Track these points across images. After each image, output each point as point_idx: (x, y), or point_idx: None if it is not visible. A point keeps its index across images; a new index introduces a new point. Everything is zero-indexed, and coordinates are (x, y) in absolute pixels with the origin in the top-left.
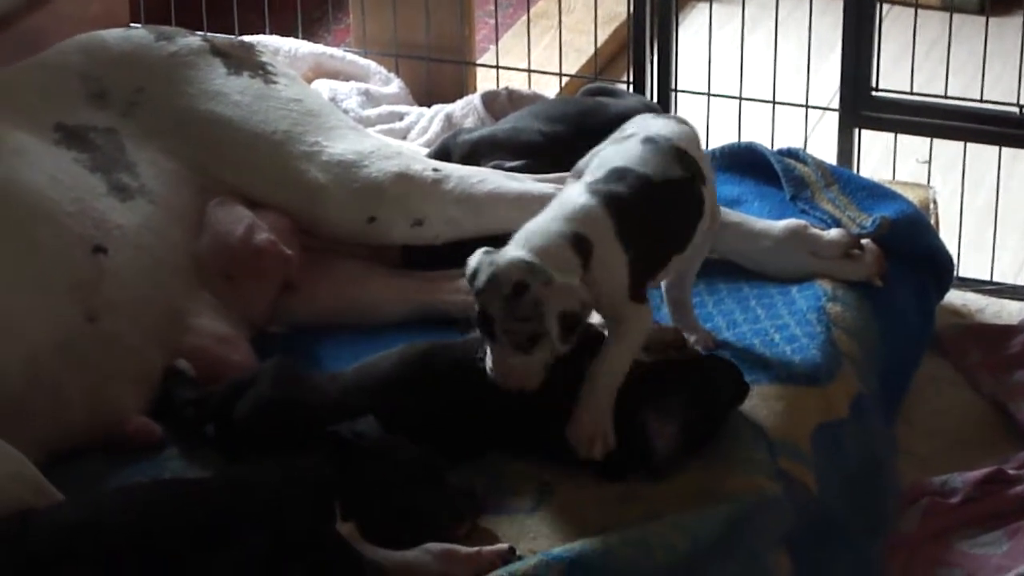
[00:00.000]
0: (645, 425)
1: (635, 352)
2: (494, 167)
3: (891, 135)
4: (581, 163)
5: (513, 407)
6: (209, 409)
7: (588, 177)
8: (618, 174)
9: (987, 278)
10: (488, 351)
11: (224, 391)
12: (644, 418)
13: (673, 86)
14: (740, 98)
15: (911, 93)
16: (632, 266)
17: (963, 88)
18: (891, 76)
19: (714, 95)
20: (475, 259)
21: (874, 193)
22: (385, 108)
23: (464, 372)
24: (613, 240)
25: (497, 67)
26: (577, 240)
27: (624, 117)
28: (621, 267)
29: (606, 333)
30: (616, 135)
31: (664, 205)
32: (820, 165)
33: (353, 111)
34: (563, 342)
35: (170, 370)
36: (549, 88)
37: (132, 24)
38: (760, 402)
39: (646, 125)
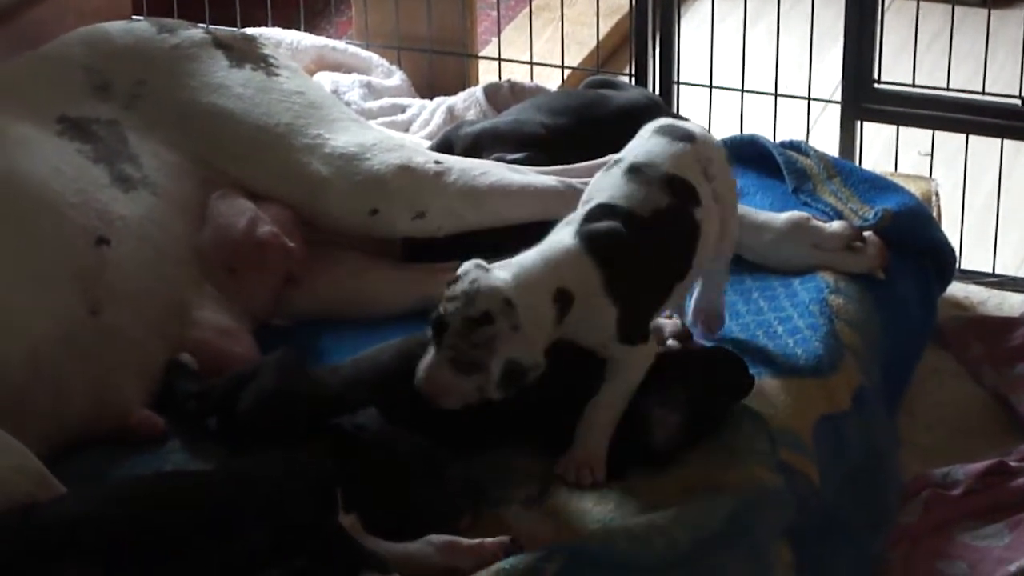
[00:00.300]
0: (648, 415)
1: (633, 387)
2: (496, 160)
3: (893, 127)
4: (613, 158)
5: (514, 400)
6: (211, 402)
7: (579, 210)
8: (604, 211)
9: (989, 270)
10: (429, 352)
11: (226, 384)
12: (648, 408)
13: (675, 78)
14: (742, 90)
15: (913, 85)
16: (622, 314)
17: (965, 80)
18: (893, 68)
19: (716, 87)
20: (467, 266)
21: (876, 185)
22: (387, 100)
23: None
24: (599, 294)
25: (499, 59)
26: (559, 295)
27: (626, 109)
28: (607, 318)
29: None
30: (612, 157)
31: (655, 240)
32: (822, 157)
33: (355, 103)
34: (499, 388)
35: (172, 363)
36: (551, 80)
37: (134, 17)
38: (762, 394)
39: (637, 148)
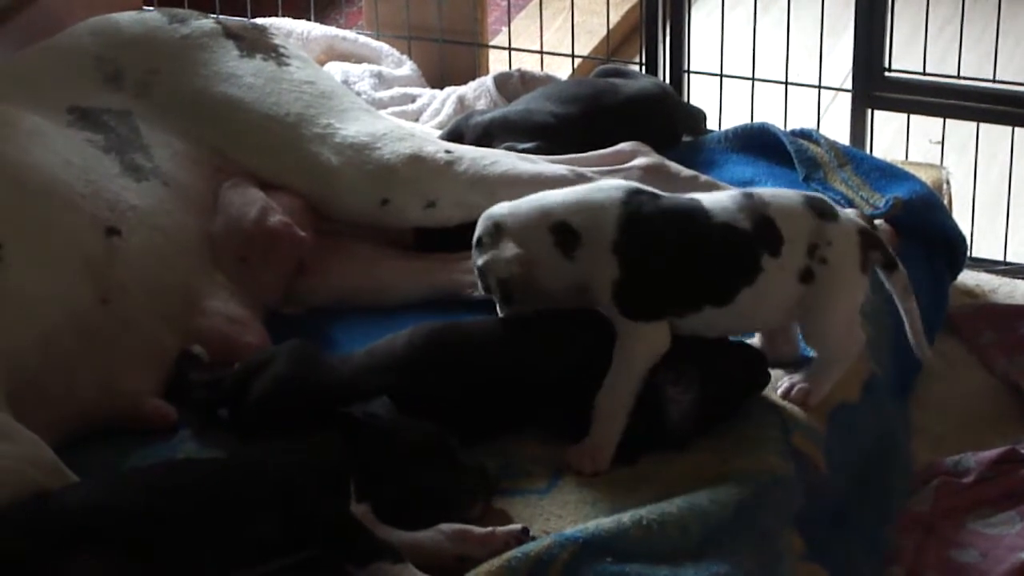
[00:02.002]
0: (662, 394)
1: (635, 376)
2: (507, 149)
3: (904, 115)
4: None
5: (526, 387)
6: (223, 391)
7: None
8: (656, 193)
9: (1000, 258)
10: None
11: (238, 372)
12: (661, 387)
13: (685, 67)
14: (753, 79)
15: (924, 73)
16: (623, 279)
17: (976, 68)
18: (904, 56)
19: (726, 76)
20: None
21: (887, 173)
22: (397, 90)
23: (475, 352)
24: (607, 248)
25: (509, 49)
26: (557, 227)
27: (637, 98)
28: (607, 278)
29: None
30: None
31: (702, 246)
32: (833, 146)
33: (366, 93)
34: (502, 306)
35: (182, 354)
36: (561, 70)
37: (145, 7)
38: (775, 383)
39: (780, 190)
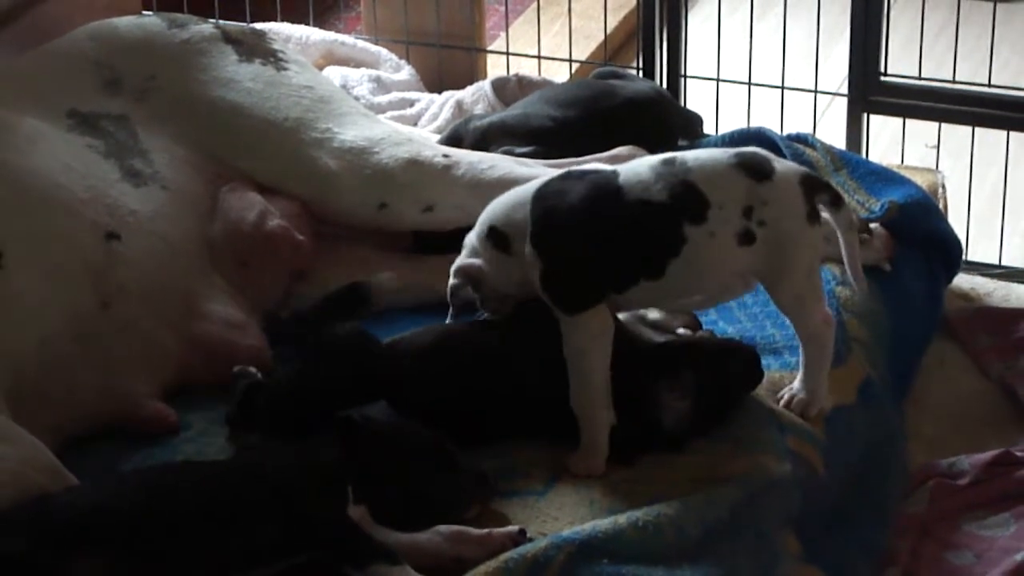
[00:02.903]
0: (658, 400)
1: (593, 368)
2: (504, 153)
3: (900, 120)
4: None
5: (525, 393)
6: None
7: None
8: (583, 175)
9: (995, 262)
10: None
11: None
12: (657, 393)
13: (682, 72)
14: (749, 83)
15: (919, 78)
16: (545, 272)
17: (971, 73)
18: (900, 61)
19: (723, 81)
20: None
21: (883, 178)
22: (396, 95)
23: (476, 357)
24: (527, 243)
25: (507, 54)
26: (491, 232)
27: (635, 101)
28: (535, 272)
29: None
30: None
31: (618, 222)
32: (829, 150)
33: (364, 98)
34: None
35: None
36: (559, 75)
37: (144, 12)
38: (771, 386)
39: (704, 151)
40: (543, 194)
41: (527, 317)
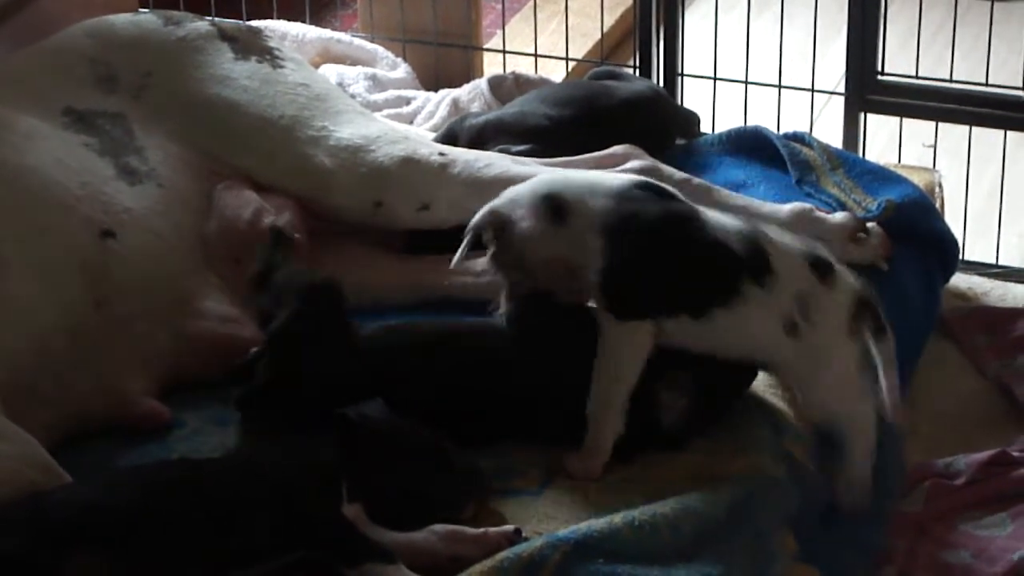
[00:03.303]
0: (655, 398)
1: (621, 379)
2: (501, 151)
3: (897, 119)
4: None
5: (524, 394)
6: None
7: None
8: (662, 192)
9: (992, 261)
10: None
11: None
12: (655, 392)
13: (679, 70)
14: (746, 82)
15: (917, 77)
16: (611, 272)
17: (968, 72)
18: (897, 60)
19: (720, 79)
20: None
21: (879, 177)
22: (392, 93)
23: (474, 358)
24: (596, 231)
25: (504, 52)
26: (550, 199)
27: (631, 101)
28: (591, 263)
29: None
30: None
31: (687, 253)
32: (826, 149)
33: (360, 96)
34: (489, 261)
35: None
36: (556, 73)
37: (140, 9)
38: (766, 387)
39: (776, 230)
40: (631, 195)
41: (531, 320)
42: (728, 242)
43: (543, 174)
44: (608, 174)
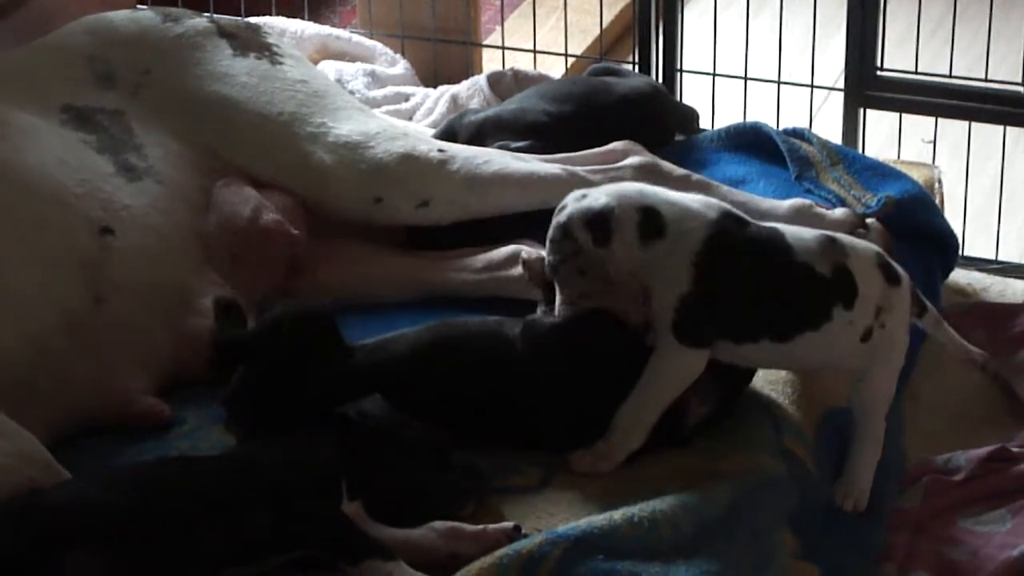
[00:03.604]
0: (687, 408)
1: (664, 400)
2: (500, 148)
3: (896, 115)
4: None
5: (524, 398)
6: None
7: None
8: (743, 219)
9: (992, 257)
10: None
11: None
12: (687, 403)
13: (678, 66)
14: (745, 78)
15: (916, 73)
16: (690, 297)
17: (968, 68)
18: (896, 55)
19: (719, 75)
20: None
21: (879, 172)
22: (391, 89)
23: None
24: (686, 257)
25: (503, 48)
26: (649, 212)
27: (629, 97)
28: (675, 290)
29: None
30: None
31: (780, 281)
32: (825, 145)
33: (359, 92)
34: (549, 266)
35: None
36: (555, 69)
37: (139, 6)
38: (767, 385)
39: (851, 239)
40: (724, 225)
41: (583, 331)
42: (815, 265)
43: (628, 184)
44: (697, 196)
